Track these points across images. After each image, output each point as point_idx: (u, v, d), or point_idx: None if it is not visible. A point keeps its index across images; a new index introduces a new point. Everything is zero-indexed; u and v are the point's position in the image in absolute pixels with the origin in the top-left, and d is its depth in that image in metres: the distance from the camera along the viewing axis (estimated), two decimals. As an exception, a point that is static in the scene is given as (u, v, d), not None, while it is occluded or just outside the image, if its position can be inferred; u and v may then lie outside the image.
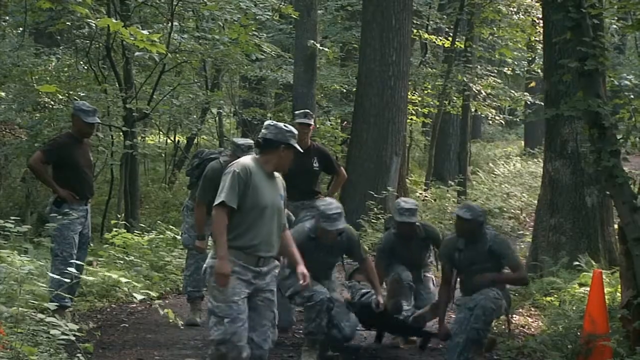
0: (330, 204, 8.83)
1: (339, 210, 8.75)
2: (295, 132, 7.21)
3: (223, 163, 9.67)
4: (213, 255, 6.99)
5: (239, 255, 6.93)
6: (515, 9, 22.20)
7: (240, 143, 9.92)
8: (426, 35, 22.09)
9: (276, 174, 7.22)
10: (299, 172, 9.87)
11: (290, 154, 7.15)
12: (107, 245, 13.18)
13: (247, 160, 7.08)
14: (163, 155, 21.56)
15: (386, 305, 9.05)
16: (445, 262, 8.94)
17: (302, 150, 9.78)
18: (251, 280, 6.97)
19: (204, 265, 7.10)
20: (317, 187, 11.54)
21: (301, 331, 9.61)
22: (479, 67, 23.04)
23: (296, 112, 11.62)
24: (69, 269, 7.94)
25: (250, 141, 9.95)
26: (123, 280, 9.50)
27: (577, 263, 11.19)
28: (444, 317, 8.90)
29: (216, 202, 6.88)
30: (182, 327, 9.69)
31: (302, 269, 7.23)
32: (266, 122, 7.32)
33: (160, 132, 22.65)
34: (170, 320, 7.81)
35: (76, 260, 8.95)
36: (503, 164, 27.36)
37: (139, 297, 8.02)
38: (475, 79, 22.02)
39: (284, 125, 7.17)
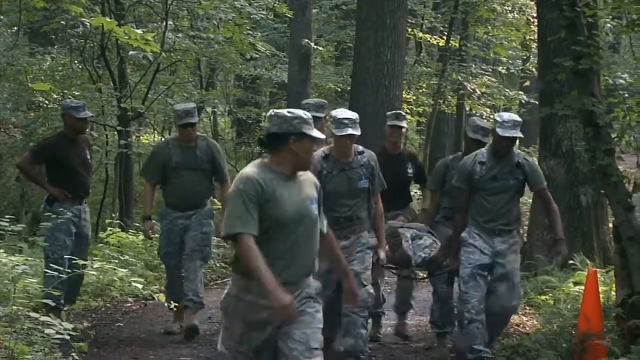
0: (343, 110, 8.22)
1: (353, 117, 7.98)
2: (307, 116, 5.56)
3: (170, 141, 9.91)
4: (233, 291, 5.52)
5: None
6: (509, 8, 22.19)
7: (178, 109, 9.75)
8: (421, 34, 22.07)
9: (304, 172, 5.64)
10: (390, 180, 8.89)
11: (307, 144, 5.52)
12: (101, 245, 13.17)
13: (251, 168, 5.50)
14: (158, 154, 21.48)
15: (394, 259, 8.83)
16: (462, 183, 8.26)
17: (391, 154, 9.65)
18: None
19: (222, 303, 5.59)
20: (410, 197, 10.36)
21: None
22: (473, 66, 23.03)
23: (387, 113, 10.38)
24: (61, 269, 7.92)
25: (189, 105, 9.80)
26: (139, 282, 9.31)
27: (572, 262, 11.20)
28: (457, 253, 8.31)
29: (230, 233, 5.36)
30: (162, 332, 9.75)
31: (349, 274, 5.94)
32: (269, 113, 5.79)
33: (155, 131, 22.62)
34: (165, 304, 7.76)
35: (76, 259, 8.88)
36: (498, 163, 27.27)
37: (156, 296, 7.89)
38: (470, 77, 22.01)
39: (288, 112, 5.59)
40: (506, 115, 8.12)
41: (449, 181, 8.94)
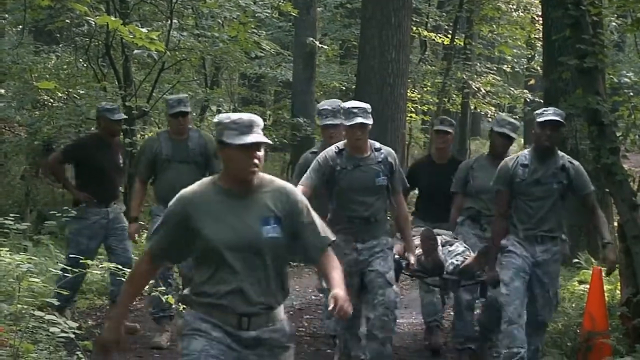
0: (354, 101, 7.87)
1: (364, 106, 7.56)
2: (229, 120, 4.56)
3: (160, 133, 9.73)
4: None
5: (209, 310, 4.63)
6: (514, 6, 22.19)
7: (169, 99, 9.65)
8: (425, 33, 22.07)
9: (272, 184, 4.73)
10: (435, 192, 8.79)
11: (230, 153, 4.59)
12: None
13: (192, 186, 4.74)
14: (162, 152, 21.49)
15: (425, 264, 8.23)
16: (502, 185, 7.74)
17: (438, 162, 9.23)
18: (231, 346, 4.60)
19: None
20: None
21: (301, 329, 9.61)
22: (478, 64, 23.04)
23: (435, 119, 9.84)
24: (75, 269, 7.99)
25: (181, 95, 9.62)
26: None
27: (577, 260, 11.17)
28: (495, 261, 7.76)
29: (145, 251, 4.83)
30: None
31: (337, 292, 4.54)
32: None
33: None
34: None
35: (110, 263, 8.65)
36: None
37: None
38: (475, 76, 22.01)
39: (227, 115, 4.66)
40: (548, 108, 7.75)
41: (472, 182, 8.79)
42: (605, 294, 8.59)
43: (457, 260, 8.32)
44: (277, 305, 4.70)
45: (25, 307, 7.86)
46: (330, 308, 4.54)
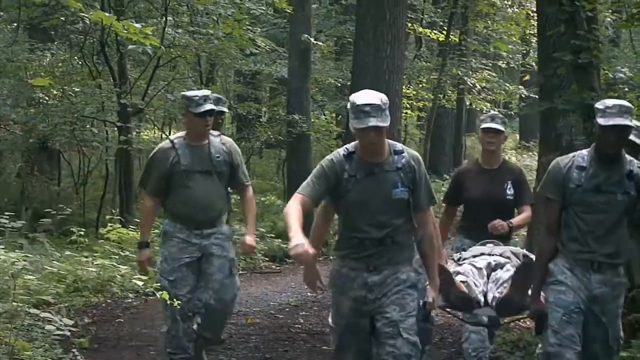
0: (366, 94, 5.84)
1: (377, 101, 5.73)
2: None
3: (175, 140, 7.67)
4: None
5: None
6: (509, 2, 22.22)
7: (191, 95, 7.58)
8: (420, 29, 22.07)
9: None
10: (484, 204, 7.50)
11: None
12: (102, 241, 13.17)
13: None
14: (158, 150, 21.48)
15: (451, 300, 6.54)
16: (551, 192, 6.11)
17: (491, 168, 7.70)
18: None
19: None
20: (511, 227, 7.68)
21: (297, 326, 9.61)
22: (473, 60, 23.06)
23: (483, 115, 7.99)
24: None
25: (203, 91, 7.68)
26: (139, 278, 7.96)
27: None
28: (541, 285, 6.18)
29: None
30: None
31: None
32: None
33: (155, 127, 22.59)
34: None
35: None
36: (498, 158, 27.35)
37: (159, 294, 7.27)
38: (470, 72, 22.02)
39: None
40: (609, 101, 6.01)
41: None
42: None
43: (499, 292, 6.54)
44: None
45: (21, 304, 7.86)
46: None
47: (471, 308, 6.58)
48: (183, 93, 7.75)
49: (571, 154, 6.19)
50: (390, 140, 5.98)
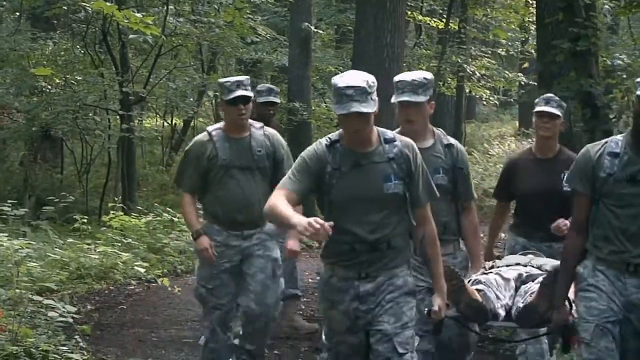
0: (349, 75, 5.03)
1: (361, 83, 4.91)
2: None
3: (212, 131, 6.84)
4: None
5: None
6: (508, -10, 22.17)
7: (225, 81, 6.80)
8: (420, 17, 22.01)
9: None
10: (537, 197, 6.56)
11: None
12: (104, 228, 13.17)
13: None
14: (160, 138, 21.52)
15: (462, 311, 5.62)
16: (578, 184, 5.18)
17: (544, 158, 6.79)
18: None
19: None
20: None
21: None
22: (473, 48, 23.00)
23: (538, 98, 6.93)
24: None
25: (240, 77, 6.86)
26: (141, 265, 7.57)
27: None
28: (566, 292, 5.25)
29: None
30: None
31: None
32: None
33: (157, 115, 22.60)
34: (168, 287, 7.25)
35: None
36: (498, 144, 27.37)
37: (159, 280, 7.01)
38: (470, 60, 21.98)
39: None
40: None
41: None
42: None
43: (523, 303, 5.67)
44: None
45: (24, 292, 7.88)
46: None
47: (484, 320, 5.69)
48: (218, 80, 7.02)
49: (604, 140, 5.28)
50: (379, 128, 5.19)
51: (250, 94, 6.67)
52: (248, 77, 6.85)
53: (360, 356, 5.18)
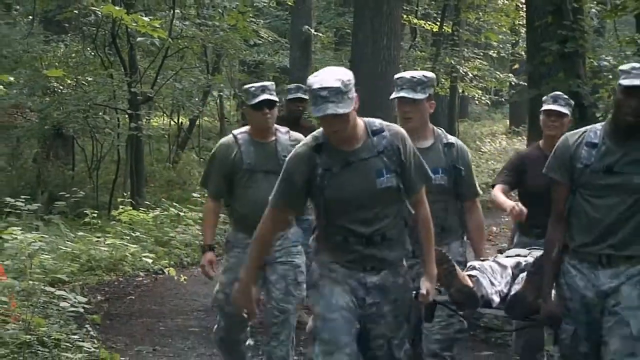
0: (322, 75, 4.66)
1: (337, 84, 4.56)
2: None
3: (238, 135, 6.45)
4: None
5: None
6: (499, -5, 22.15)
7: (249, 87, 6.41)
8: (415, 20, 22.01)
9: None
10: (546, 193, 5.21)
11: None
12: (114, 222, 13.17)
13: None
14: (167, 136, 21.51)
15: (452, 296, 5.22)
16: (556, 172, 4.93)
17: None
18: None
19: None
20: None
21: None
22: (465, 50, 23.00)
23: (546, 96, 6.67)
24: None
25: (265, 82, 6.47)
26: (149, 257, 7.34)
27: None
28: (552, 282, 4.93)
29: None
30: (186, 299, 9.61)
31: None
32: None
33: (164, 115, 22.57)
34: (175, 277, 7.21)
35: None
36: (489, 142, 27.39)
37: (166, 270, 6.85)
38: (462, 61, 21.97)
39: None
40: (638, 64, 4.71)
41: None
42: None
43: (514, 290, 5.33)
44: None
45: (37, 283, 7.87)
46: None
47: (475, 306, 5.28)
48: (244, 86, 6.58)
49: (583, 129, 4.96)
50: (366, 119, 4.86)
51: (275, 98, 6.30)
52: (272, 82, 6.50)
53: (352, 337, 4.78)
